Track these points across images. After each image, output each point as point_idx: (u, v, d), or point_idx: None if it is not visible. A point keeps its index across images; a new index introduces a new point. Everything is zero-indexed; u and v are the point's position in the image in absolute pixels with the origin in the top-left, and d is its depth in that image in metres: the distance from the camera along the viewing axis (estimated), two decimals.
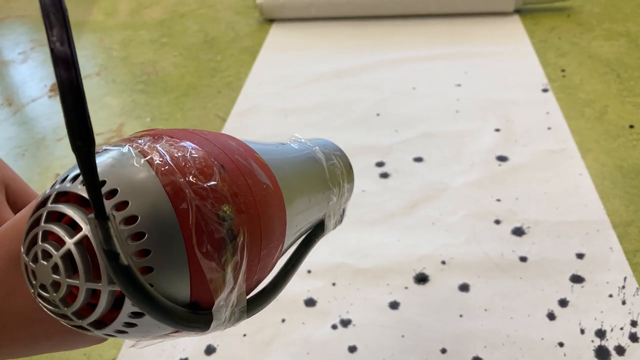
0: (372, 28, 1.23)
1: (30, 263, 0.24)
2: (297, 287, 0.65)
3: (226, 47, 1.22)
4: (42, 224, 0.24)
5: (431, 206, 0.75)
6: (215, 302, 0.25)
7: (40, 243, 0.24)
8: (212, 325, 0.25)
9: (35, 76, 1.19)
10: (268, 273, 0.30)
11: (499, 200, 0.75)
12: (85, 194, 0.23)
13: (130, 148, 0.25)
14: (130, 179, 0.24)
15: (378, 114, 0.95)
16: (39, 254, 0.24)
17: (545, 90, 0.96)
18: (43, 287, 0.24)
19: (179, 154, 0.25)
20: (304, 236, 0.36)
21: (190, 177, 0.24)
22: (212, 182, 0.25)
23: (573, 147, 0.82)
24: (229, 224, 0.25)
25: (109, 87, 1.11)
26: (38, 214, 0.24)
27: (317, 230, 0.36)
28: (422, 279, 0.65)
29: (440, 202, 0.75)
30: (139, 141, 0.26)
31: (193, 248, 0.24)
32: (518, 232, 0.70)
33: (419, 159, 0.84)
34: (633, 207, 0.72)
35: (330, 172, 0.37)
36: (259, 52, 1.18)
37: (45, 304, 0.25)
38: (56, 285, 0.24)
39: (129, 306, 0.24)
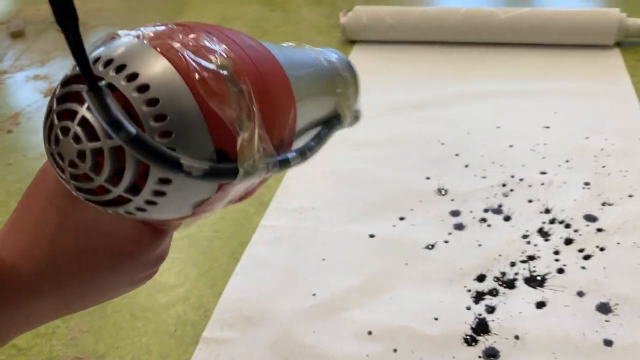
0: (457, 55, 1.18)
1: (54, 147, 0.26)
2: (354, 348, 0.62)
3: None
4: (55, 107, 0.26)
5: (508, 267, 0.69)
6: (238, 142, 0.26)
7: (56, 123, 0.26)
8: (240, 173, 0.27)
9: None
10: (291, 136, 0.32)
11: (584, 268, 0.68)
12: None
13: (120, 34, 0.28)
14: (130, 51, 0.26)
15: (457, 154, 0.90)
16: (59, 134, 0.26)
17: None
18: (72, 164, 0.26)
19: (165, 28, 0.28)
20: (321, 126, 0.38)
21: (180, 41, 0.27)
22: (201, 43, 0.27)
23: None
24: (229, 71, 0.27)
25: None
26: (49, 104, 0.27)
27: (333, 121, 0.40)
28: (492, 354, 0.60)
29: (519, 264, 0.70)
30: (130, 30, 0.28)
31: (202, 97, 0.25)
32: (604, 308, 0.63)
33: (498, 211, 0.78)
34: None
35: (329, 65, 0.39)
36: None
37: (80, 186, 0.26)
38: (82, 155, 0.25)
39: (155, 171, 0.25)
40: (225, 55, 0.28)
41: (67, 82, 0.26)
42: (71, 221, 0.29)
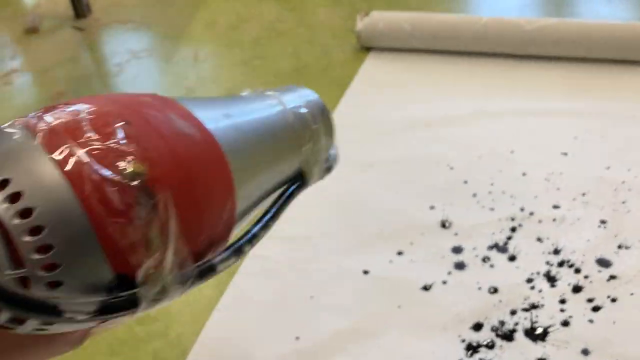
0: (477, 67, 1.11)
1: None
2: None
3: (316, 78, 1.15)
4: None
5: (508, 316, 0.64)
6: (141, 270, 0.22)
7: None
8: (142, 306, 0.23)
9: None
10: (227, 231, 0.28)
11: (591, 321, 0.63)
12: None
13: (13, 124, 0.23)
14: (13, 157, 0.21)
15: (465, 182, 0.84)
16: None
17: None
18: None
19: (69, 118, 0.23)
20: (281, 188, 0.34)
21: (82, 139, 0.22)
22: (112, 140, 0.22)
23: None
24: (142, 181, 0.22)
25: None
26: None
27: (296, 181, 0.35)
28: None
29: (520, 312, 0.65)
30: (30, 115, 0.24)
31: (100, 219, 0.21)
32: None
33: (503, 249, 0.73)
34: None
35: (296, 119, 0.34)
36: (349, 86, 1.10)
37: None
38: None
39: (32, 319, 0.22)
40: (140, 158, 0.23)
41: None
42: None
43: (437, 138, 0.94)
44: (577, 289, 0.66)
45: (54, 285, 0.22)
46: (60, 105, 0.25)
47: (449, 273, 0.70)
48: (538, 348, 0.61)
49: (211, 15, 1.47)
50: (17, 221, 0.21)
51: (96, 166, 0.22)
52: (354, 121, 1.00)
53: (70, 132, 0.22)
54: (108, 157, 0.22)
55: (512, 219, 0.77)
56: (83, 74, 1.28)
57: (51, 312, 0.21)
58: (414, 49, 1.18)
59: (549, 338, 0.62)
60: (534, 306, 0.65)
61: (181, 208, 0.24)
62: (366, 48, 1.23)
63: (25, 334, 0.23)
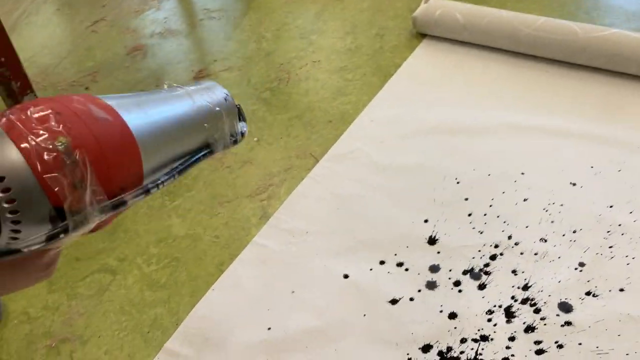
0: (521, 70, 1.11)
1: None
2: None
3: (364, 62, 1.19)
4: None
5: (457, 343, 0.71)
6: (66, 203, 0.34)
7: None
8: (70, 227, 0.35)
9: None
10: (138, 180, 0.39)
11: (510, 358, 0.68)
12: None
13: None
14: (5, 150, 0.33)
15: (466, 199, 0.88)
16: None
17: None
18: None
19: (22, 115, 0.34)
20: (191, 153, 0.44)
21: (30, 127, 0.34)
22: (48, 125, 0.34)
23: None
24: (65, 147, 0.34)
25: (242, 88, 1.17)
26: None
27: (204, 149, 0.45)
28: None
29: (470, 342, 0.71)
30: (15, 114, 0.35)
31: (39, 171, 0.33)
32: None
33: (477, 276, 0.78)
34: None
35: (200, 107, 0.44)
36: (391, 77, 1.14)
37: None
38: None
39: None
40: (65, 134, 0.35)
41: None
42: None
43: (455, 148, 0.97)
44: (529, 329, 0.71)
45: (15, 220, 0.33)
46: (19, 106, 0.36)
47: (419, 291, 0.77)
48: None
49: None
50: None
51: (37, 140, 0.33)
52: (383, 117, 1.05)
53: (22, 123, 0.34)
54: (46, 135, 0.34)
55: (496, 246, 0.81)
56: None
57: (12, 253, 0.33)
58: (465, 41, 1.18)
59: None
60: (484, 338, 0.71)
61: (95, 164, 0.35)
62: (421, 34, 1.24)
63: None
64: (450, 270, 0.79)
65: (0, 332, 0.79)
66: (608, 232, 0.81)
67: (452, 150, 0.97)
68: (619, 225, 0.82)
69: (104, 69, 1.28)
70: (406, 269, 0.80)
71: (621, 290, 0.74)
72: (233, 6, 1.44)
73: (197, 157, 0.44)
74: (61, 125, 0.35)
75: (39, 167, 0.33)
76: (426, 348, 0.71)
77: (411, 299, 0.76)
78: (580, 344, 0.69)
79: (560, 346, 0.69)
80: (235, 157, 1.01)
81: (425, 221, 0.86)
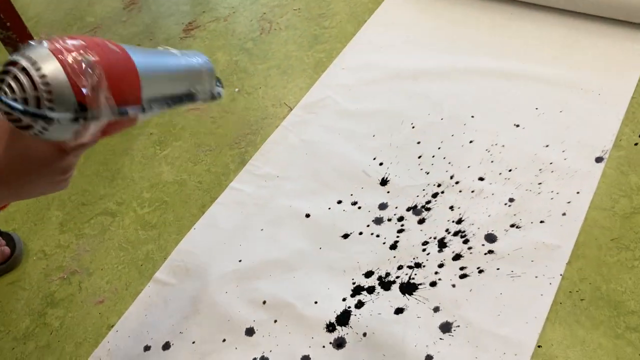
0: (489, 12, 1.17)
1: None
2: (247, 313, 0.83)
3: (341, 9, 1.26)
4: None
5: (395, 270, 0.84)
6: (86, 100, 0.47)
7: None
8: (89, 116, 0.47)
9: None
10: (136, 101, 0.52)
11: (454, 285, 0.80)
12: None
13: (40, 40, 0.48)
14: (38, 54, 0.46)
15: (419, 142, 0.98)
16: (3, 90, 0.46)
17: (599, 160, 0.90)
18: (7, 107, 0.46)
19: (60, 39, 0.48)
20: (176, 99, 0.57)
21: (68, 49, 0.47)
22: (76, 47, 0.48)
23: (568, 250, 0.81)
24: (88, 62, 0.47)
25: (227, 39, 1.27)
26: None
27: (184, 96, 0.58)
28: (339, 344, 0.78)
29: (405, 269, 0.83)
30: (58, 41, 0.48)
31: (72, 77, 0.46)
32: (445, 327, 0.77)
33: (418, 212, 0.89)
34: (568, 342, 0.73)
35: (187, 64, 0.58)
36: (364, 24, 1.21)
37: (9, 118, 0.47)
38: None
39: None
40: (89, 56, 0.48)
41: (6, 64, 0.47)
42: (11, 148, 0.52)
43: (414, 93, 1.06)
44: (456, 257, 0.83)
45: (51, 107, 0.45)
46: (57, 36, 0.49)
47: (367, 226, 0.89)
48: (403, 300, 0.80)
49: None
50: (37, 73, 0.45)
51: (71, 55, 0.46)
52: (353, 64, 1.14)
53: (60, 44, 0.47)
54: (75, 53, 0.47)
55: (439, 185, 0.92)
56: None
57: (45, 119, 0.45)
58: None
59: (415, 293, 0.81)
60: (417, 265, 0.84)
61: (107, 79, 0.48)
62: None
63: (37, 132, 0.46)
64: (396, 208, 0.91)
65: (22, 267, 0.95)
66: (540, 169, 0.91)
67: (411, 95, 1.06)
68: (550, 163, 0.91)
69: (104, 24, 1.38)
70: (359, 207, 0.92)
71: (541, 222, 0.85)
72: None
73: (182, 99, 0.57)
74: (86, 49, 0.48)
75: (70, 72, 0.46)
76: (368, 274, 0.84)
77: (360, 233, 0.89)
78: (498, 269, 0.81)
79: (481, 271, 0.81)
80: (218, 108, 1.12)
81: (380, 164, 0.97)
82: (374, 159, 0.98)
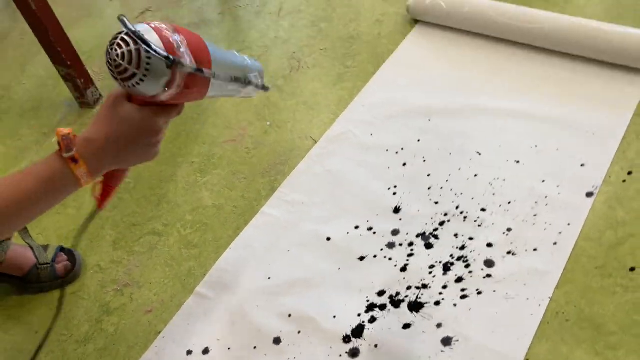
0: (496, 53, 1.29)
1: (110, 55, 0.60)
2: (275, 324, 0.95)
3: (363, 49, 1.39)
4: (111, 40, 0.61)
5: (404, 289, 0.96)
6: (177, 58, 0.61)
7: (112, 45, 0.60)
8: (178, 66, 0.60)
9: None
10: (209, 66, 0.66)
11: (455, 305, 0.92)
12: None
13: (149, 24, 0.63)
14: (144, 29, 0.61)
15: (429, 175, 1.11)
16: (113, 49, 0.60)
17: (589, 195, 1.01)
18: (114, 60, 0.60)
19: (159, 24, 0.62)
20: (235, 78, 0.71)
21: (170, 34, 0.62)
22: (170, 29, 0.63)
23: (557, 275, 0.92)
24: (179, 39, 0.61)
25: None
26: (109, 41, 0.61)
27: (241, 79, 0.71)
28: (354, 354, 0.90)
29: (414, 289, 0.95)
30: (154, 22, 0.63)
31: (169, 47, 0.61)
32: (446, 341, 0.89)
33: (426, 238, 1.01)
34: (553, 357, 0.84)
35: (246, 64, 0.74)
36: (384, 64, 1.34)
37: (113, 70, 0.61)
38: (117, 56, 0.60)
39: (143, 65, 0.60)
40: (178, 33, 0.63)
41: (118, 33, 0.61)
42: (114, 116, 0.65)
43: (427, 129, 1.18)
44: (459, 280, 0.95)
45: (148, 65, 0.60)
46: (156, 22, 0.63)
47: (381, 250, 1.02)
48: (411, 316, 0.92)
49: None
50: (145, 47, 0.59)
51: (167, 33, 0.61)
52: (374, 101, 1.26)
53: (159, 25, 0.62)
54: (170, 31, 0.62)
55: (445, 215, 1.04)
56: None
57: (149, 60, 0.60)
58: (451, 27, 1.36)
59: (421, 311, 0.93)
60: (424, 286, 0.96)
61: (192, 52, 0.63)
62: (415, 20, 1.42)
63: (135, 83, 0.60)
64: (407, 234, 1.03)
65: (81, 280, 1.10)
66: (536, 202, 1.02)
67: (424, 132, 1.18)
68: (545, 197, 1.02)
69: None
70: (374, 232, 1.04)
71: (535, 250, 0.96)
72: None
73: (240, 80, 0.71)
74: (177, 31, 0.63)
75: (162, 37, 0.61)
76: (381, 293, 0.96)
77: (374, 256, 1.01)
78: (494, 291, 0.93)
79: (479, 293, 0.93)
80: (252, 140, 1.26)
81: (394, 194, 1.09)
82: (389, 188, 1.10)
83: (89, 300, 1.07)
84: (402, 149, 1.16)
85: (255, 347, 0.94)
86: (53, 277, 1.08)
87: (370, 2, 1.51)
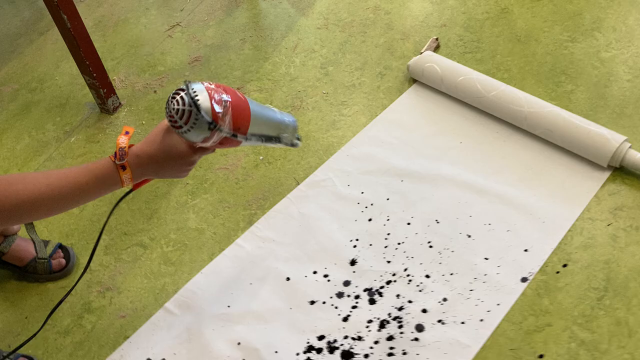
0: (479, 126, 1.38)
1: (168, 107, 0.81)
2: (225, 349, 1.09)
3: (360, 100, 1.51)
4: (171, 95, 0.82)
5: (341, 338, 1.08)
6: (219, 121, 0.81)
7: (170, 98, 0.82)
8: (216, 129, 0.81)
9: None
10: (244, 132, 0.86)
11: (369, 355, 1.05)
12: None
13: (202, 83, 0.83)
14: (198, 89, 0.81)
15: (388, 234, 1.22)
16: (170, 102, 0.81)
17: (524, 280, 1.11)
18: (171, 114, 0.81)
19: (210, 84, 0.83)
20: (267, 138, 0.93)
21: (218, 95, 0.82)
22: (219, 89, 0.83)
23: (475, 350, 1.04)
24: (225, 100, 0.81)
25: None
26: (171, 95, 0.83)
27: (273, 138, 0.94)
28: None
29: (350, 339, 1.08)
30: (210, 84, 0.83)
31: (213, 108, 0.81)
32: None
33: (371, 294, 1.13)
34: None
35: (280, 120, 0.95)
36: (375, 118, 1.45)
37: (171, 121, 0.81)
38: (176, 111, 0.80)
39: (190, 125, 0.81)
40: (226, 95, 0.81)
41: (178, 90, 0.80)
42: (163, 143, 0.85)
43: (397, 190, 1.29)
44: (390, 338, 1.07)
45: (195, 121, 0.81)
46: (219, 86, 0.84)
47: (331, 297, 1.14)
48: None
49: (324, 8, 1.80)
50: (195, 96, 0.80)
51: (214, 93, 0.81)
52: (356, 153, 1.38)
53: (215, 92, 0.82)
54: (218, 92, 0.82)
55: (394, 274, 1.16)
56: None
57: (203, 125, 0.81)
58: (443, 92, 1.47)
59: None
60: (359, 338, 1.08)
61: (233, 114, 0.83)
62: (413, 79, 1.53)
63: (183, 132, 0.82)
64: (356, 287, 1.15)
65: (71, 277, 1.25)
66: (475, 278, 1.13)
67: (394, 192, 1.29)
68: (485, 274, 1.13)
69: (170, 74, 1.68)
70: (328, 280, 1.17)
71: (462, 323, 1.07)
72: (277, 28, 1.77)
73: (271, 139, 0.93)
74: (225, 92, 0.81)
75: (212, 101, 0.79)
76: (321, 337, 1.09)
77: (323, 302, 1.14)
78: (417, 354, 1.05)
79: (404, 353, 1.05)
80: (243, 171, 1.39)
81: (354, 246, 1.21)
82: (351, 240, 1.22)
83: (75, 296, 1.22)
84: (372, 204, 1.28)
85: None
86: (48, 271, 1.24)
87: (378, 53, 1.62)
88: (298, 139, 1.01)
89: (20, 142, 1.56)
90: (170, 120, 0.80)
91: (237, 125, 0.83)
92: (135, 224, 1.33)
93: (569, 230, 1.18)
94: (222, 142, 0.85)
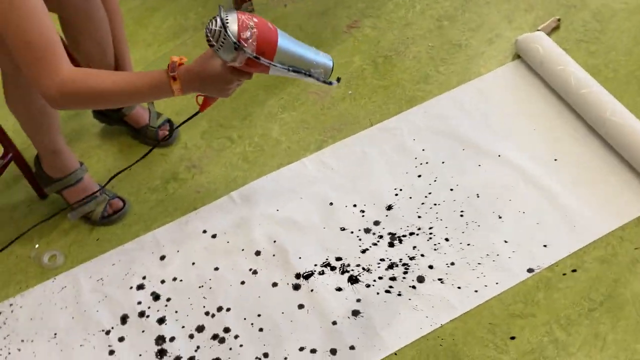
0: (560, 120, 1.42)
1: (207, 29, 0.92)
2: (261, 242, 1.33)
3: (458, 60, 1.57)
4: (211, 19, 0.93)
5: (354, 266, 1.27)
6: (242, 42, 0.92)
7: (210, 22, 0.92)
8: (241, 49, 0.91)
9: None
10: (271, 56, 0.95)
11: (378, 293, 1.23)
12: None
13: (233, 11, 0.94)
14: (231, 15, 0.93)
15: (430, 193, 1.35)
16: (209, 25, 0.92)
17: (530, 271, 1.21)
18: (210, 34, 0.92)
19: (241, 14, 0.94)
20: (296, 70, 0.99)
21: (244, 16, 0.94)
22: (248, 17, 0.94)
23: (458, 312, 1.18)
24: (252, 26, 0.93)
25: (370, 45, 1.65)
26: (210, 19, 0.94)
27: (303, 70, 0.99)
28: (296, 287, 1.26)
29: (358, 267, 1.27)
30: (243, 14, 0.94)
31: (239, 30, 0.92)
32: (356, 313, 1.21)
33: (394, 238, 1.30)
34: None
35: (315, 56, 1.00)
36: (466, 82, 1.53)
37: (210, 41, 0.92)
38: (211, 32, 0.92)
39: (221, 43, 0.93)
40: (253, 23, 0.93)
41: (214, 16, 0.91)
42: (206, 62, 0.98)
43: (456, 156, 1.40)
44: (392, 279, 1.24)
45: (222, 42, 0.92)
46: (252, 16, 0.95)
47: (359, 230, 1.32)
48: (345, 285, 1.24)
49: None
50: (226, 22, 0.92)
51: (244, 20, 0.93)
52: (434, 113, 1.49)
53: (245, 18, 0.93)
54: (246, 19, 0.93)
55: (419, 229, 1.30)
56: None
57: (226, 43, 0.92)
58: (540, 77, 1.50)
59: (354, 285, 1.24)
60: (367, 270, 1.26)
61: (257, 38, 0.93)
62: (517, 55, 1.57)
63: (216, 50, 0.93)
64: (383, 228, 1.32)
65: (170, 148, 1.53)
66: (487, 254, 1.24)
67: (452, 157, 1.40)
68: (497, 255, 1.24)
69: None
70: (363, 215, 1.34)
71: (459, 287, 1.21)
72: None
73: (300, 72, 0.98)
74: (254, 20, 0.92)
75: (240, 26, 0.90)
76: (338, 259, 1.28)
77: (351, 232, 1.32)
78: (410, 299, 1.21)
79: (399, 294, 1.22)
80: (330, 100, 1.56)
81: (396, 194, 1.36)
82: (395, 188, 1.37)
83: (169, 164, 1.51)
84: (427, 162, 1.40)
85: (243, 249, 1.33)
86: (154, 138, 1.53)
87: (497, 19, 1.65)
88: (338, 80, 1.04)
89: (166, 22, 1.83)
90: (207, 39, 0.92)
91: (261, 49, 0.92)
92: (231, 119, 1.56)
93: (595, 242, 1.23)
94: (251, 65, 0.94)
